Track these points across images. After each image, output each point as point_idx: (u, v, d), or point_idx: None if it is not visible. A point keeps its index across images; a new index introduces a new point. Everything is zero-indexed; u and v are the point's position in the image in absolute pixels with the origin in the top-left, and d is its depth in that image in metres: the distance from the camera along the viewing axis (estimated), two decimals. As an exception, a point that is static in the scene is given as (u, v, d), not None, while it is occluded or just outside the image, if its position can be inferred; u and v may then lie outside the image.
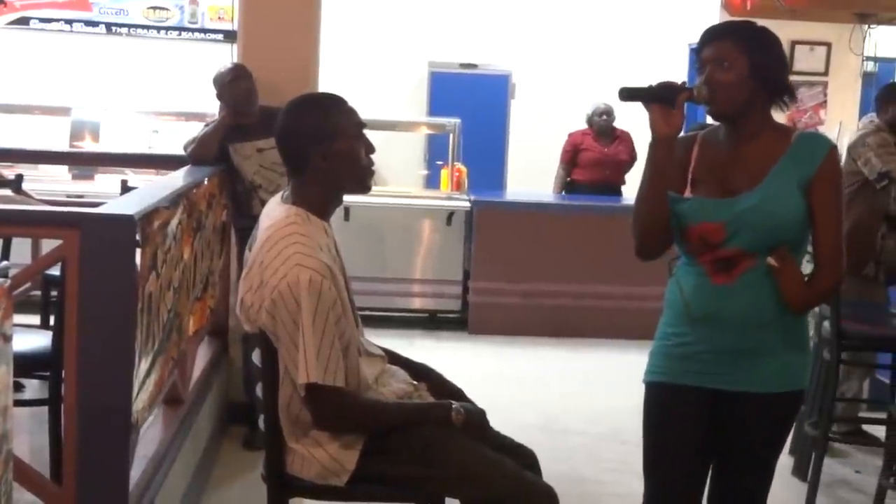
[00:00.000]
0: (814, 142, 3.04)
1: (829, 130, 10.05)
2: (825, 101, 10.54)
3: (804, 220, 2.98)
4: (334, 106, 3.22)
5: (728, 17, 10.00)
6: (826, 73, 10.47)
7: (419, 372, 3.47)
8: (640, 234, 3.10)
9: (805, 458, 5.35)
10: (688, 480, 3.12)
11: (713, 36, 3.05)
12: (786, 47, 11.04)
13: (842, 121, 10.12)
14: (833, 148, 3.02)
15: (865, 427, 5.85)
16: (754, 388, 3.02)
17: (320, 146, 3.13)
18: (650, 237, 3.09)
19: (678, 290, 3.10)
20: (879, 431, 5.08)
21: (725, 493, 3.15)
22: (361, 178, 3.25)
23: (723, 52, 3.00)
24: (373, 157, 3.27)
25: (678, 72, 11.39)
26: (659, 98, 3.02)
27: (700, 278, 3.05)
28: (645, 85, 3.04)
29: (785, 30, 10.22)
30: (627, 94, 3.06)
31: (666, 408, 3.13)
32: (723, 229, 2.97)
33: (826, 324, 5.08)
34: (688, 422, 3.09)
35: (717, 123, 3.12)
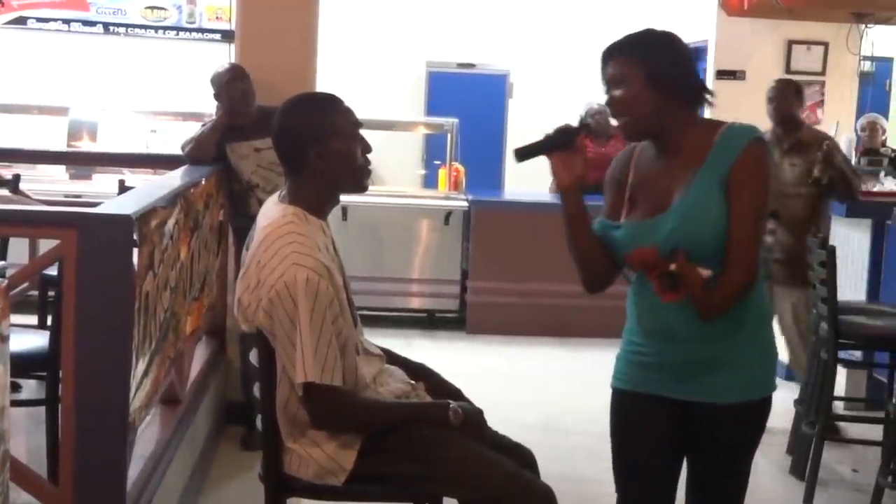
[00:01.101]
0: (736, 134, 2.85)
1: (827, 129, 10.06)
2: (822, 101, 10.55)
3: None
4: (331, 105, 3.22)
5: (726, 17, 10.03)
6: (823, 73, 10.48)
7: (417, 372, 3.47)
8: (580, 272, 3.03)
9: (803, 457, 5.35)
10: (656, 486, 3.06)
11: (606, 56, 2.92)
12: (783, 47, 11.05)
13: (839, 120, 10.12)
14: (754, 139, 2.84)
15: (863, 425, 5.84)
16: (714, 399, 2.91)
17: (316, 145, 3.13)
18: (590, 275, 3.03)
19: (633, 302, 3.02)
20: (877, 431, 5.08)
21: (700, 497, 3.07)
22: (358, 177, 3.25)
23: (616, 70, 2.88)
24: (370, 156, 3.27)
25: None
26: (556, 146, 2.93)
27: (650, 295, 2.92)
28: (540, 138, 2.96)
29: (782, 29, 10.28)
30: (522, 155, 2.98)
31: (630, 415, 3.05)
32: (657, 252, 2.84)
33: (823, 323, 5.08)
34: (652, 429, 3.01)
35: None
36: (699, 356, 2.90)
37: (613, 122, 2.99)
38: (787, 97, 6.14)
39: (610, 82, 2.90)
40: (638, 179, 2.97)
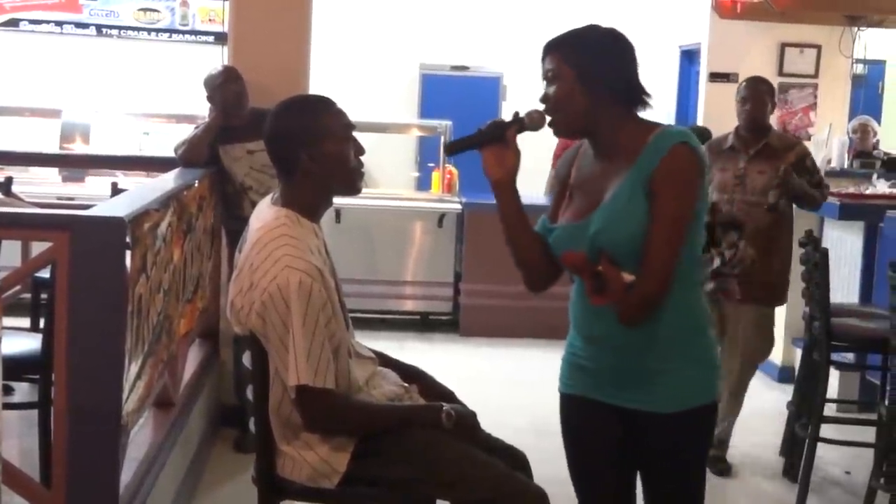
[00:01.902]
0: (663, 139, 2.76)
1: (820, 132, 10.08)
2: (815, 103, 10.57)
3: None
4: (323, 108, 3.22)
5: (719, 20, 10.04)
6: (816, 76, 10.50)
7: (410, 374, 3.47)
8: (520, 270, 2.98)
9: (795, 459, 5.36)
10: (608, 491, 3.01)
11: (545, 51, 2.85)
12: (776, 49, 11.05)
13: (832, 122, 10.14)
14: (680, 144, 2.73)
15: (856, 427, 5.85)
16: (652, 408, 2.83)
17: (309, 148, 3.13)
18: (530, 273, 2.97)
19: (571, 305, 2.97)
20: (870, 433, 5.08)
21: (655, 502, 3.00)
22: (351, 180, 3.25)
23: (551, 66, 2.81)
24: (363, 158, 3.27)
25: (669, 74, 11.43)
26: (487, 139, 2.87)
27: (582, 297, 2.89)
28: (473, 132, 2.89)
29: (775, 32, 10.29)
30: (452, 148, 2.94)
31: (576, 420, 3.02)
32: (585, 257, 2.79)
33: (816, 325, 5.09)
34: (597, 434, 2.96)
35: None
36: (631, 365, 2.84)
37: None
38: (763, 99, 5.53)
39: (545, 78, 2.84)
40: (577, 179, 2.92)
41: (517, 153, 2.88)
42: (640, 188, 2.72)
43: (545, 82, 2.84)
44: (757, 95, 5.52)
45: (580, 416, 3.00)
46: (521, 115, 2.90)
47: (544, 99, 2.84)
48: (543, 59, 2.84)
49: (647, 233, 2.70)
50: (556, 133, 2.87)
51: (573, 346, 2.98)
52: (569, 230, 2.85)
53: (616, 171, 2.79)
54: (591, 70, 2.78)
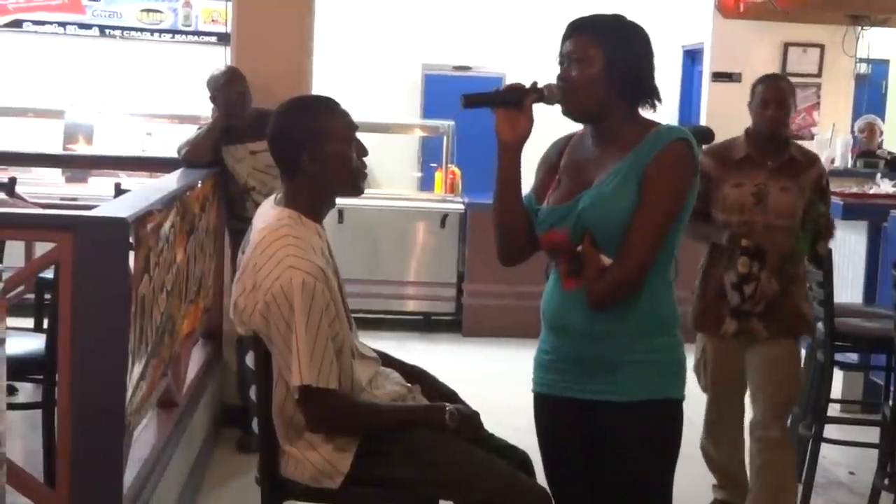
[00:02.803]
0: (661, 135, 2.81)
1: (823, 132, 10.07)
2: (818, 103, 10.57)
3: None
4: (325, 108, 3.22)
5: (721, 20, 10.04)
6: (819, 75, 10.50)
7: (412, 374, 3.47)
8: (497, 239, 2.98)
9: (799, 459, 5.34)
10: (578, 489, 3.02)
11: (571, 30, 2.86)
12: (779, 49, 11.03)
13: (835, 122, 10.13)
14: (676, 140, 2.79)
15: (860, 427, 5.84)
16: (609, 396, 2.86)
17: (310, 148, 3.13)
18: (506, 244, 2.98)
19: (543, 297, 3.00)
20: (874, 433, 5.08)
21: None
22: (353, 180, 3.24)
23: (578, 48, 2.82)
24: (366, 159, 3.27)
25: (672, 74, 11.42)
26: (504, 102, 2.88)
27: (555, 284, 2.93)
28: (492, 90, 2.92)
29: (778, 31, 10.29)
30: (469, 101, 2.91)
31: (544, 419, 3.06)
32: (567, 236, 2.84)
33: (820, 325, 5.08)
34: (565, 431, 2.99)
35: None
36: (595, 354, 2.87)
37: None
38: (787, 101, 4.51)
39: (568, 57, 2.84)
40: (567, 165, 2.95)
41: (530, 120, 2.88)
42: (633, 177, 2.77)
43: (565, 61, 2.85)
44: (780, 97, 4.49)
45: (549, 415, 3.04)
46: (540, 86, 2.89)
47: (565, 78, 2.85)
48: (568, 37, 2.86)
49: (631, 221, 2.75)
50: (566, 113, 2.88)
51: (543, 342, 3.02)
52: (554, 211, 2.89)
53: (608, 159, 2.84)
54: (620, 62, 2.81)
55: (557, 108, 2.89)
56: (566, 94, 2.85)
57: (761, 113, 4.48)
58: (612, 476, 2.95)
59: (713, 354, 4.62)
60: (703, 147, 4.25)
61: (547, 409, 3.04)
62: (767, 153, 4.49)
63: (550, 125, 3.12)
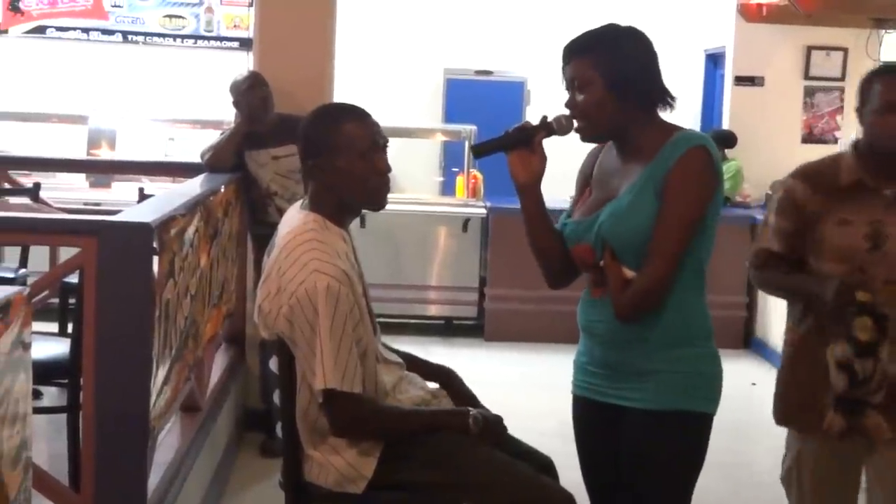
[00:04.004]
0: (679, 141, 2.77)
1: (846, 136, 10.02)
2: (842, 107, 10.50)
3: None
4: (349, 119, 3.16)
5: (744, 24, 10.00)
6: (842, 79, 10.43)
7: (439, 374, 3.46)
8: (541, 268, 3.03)
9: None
10: (613, 494, 3.01)
11: (568, 55, 2.84)
12: (802, 52, 10.95)
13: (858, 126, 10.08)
14: (695, 147, 2.75)
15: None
16: (634, 403, 2.87)
17: (319, 159, 3.13)
18: (549, 271, 3.02)
19: (579, 302, 3.03)
20: None
21: None
22: (369, 196, 3.19)
23: (575, 73, 2.81)
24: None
25: (694, 78, 11.39)
26: (514, 143, 2.88)
27: (586, 291, 2.98)
28: (500, 134, 2.91)
29: (801, 35, 10.25)
30: (479, 151, 2.94)
31: (578, 421, 3.10)
32: (591, 249, 2.86)
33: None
34: (598, 437, 3.01)
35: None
36: (617, 360, 2.89)
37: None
38: None
39: (571, 85, 2.83)
40: (597, 175, 2.96)
41: (543, 158, 2.90)
42: (651, 186, 2.75)
43: (571, 89, 2.84)
44: None
45: (584, 418, 3.07)
46: (549, 119, 2.89)
47: (572, 105, 2.84)
48: (567, 64, 2.84)
49: (653, 232, 2.73)
50: (583, 139, 2.89)
51: (580, 345, 3.06)
52: (580, 224, 2.91)
53: (632, 169, 2.82)
54: (620, 76, 2.78)
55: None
56: (578, 120, 2.84)
57: (882, 120, 3.21)
58: (628, 484, 2.94)
59: (812, 463, 3.38)
60: (795, 170, 3.37)
61: (582, 411, 3.07)
62: (887, 177, 3.24)
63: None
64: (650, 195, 2.75)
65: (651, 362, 2.84)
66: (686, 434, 2.90)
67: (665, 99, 2.86)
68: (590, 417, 3.04)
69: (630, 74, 2.79)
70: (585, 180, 3.00)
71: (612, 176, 2.89)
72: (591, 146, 3.02)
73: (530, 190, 2.91)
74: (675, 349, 2.84)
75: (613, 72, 2.77)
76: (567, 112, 2.86)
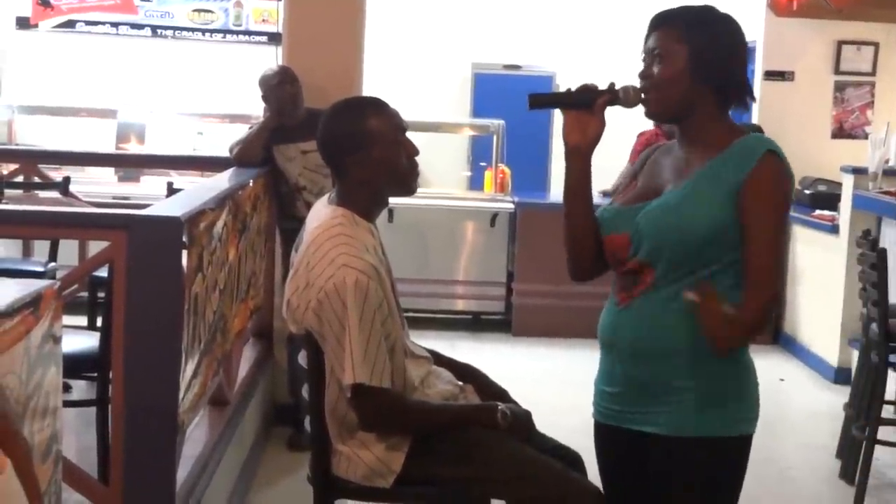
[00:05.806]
0: (750, 146, 2.60)
1: (877, 131, 9.95)
2: (872, 102, 10.42)
3: (720, 234, 2.56)
4: (373, 111, 3.19)
5: (774, 18, 9.94)
6: (873, 73, 10.35)
7: (464, 372, 3.46)
8: (567, 253, 2.82)
9: (852, 460, 5.30)
10: None
11: (655, 24, 2.66)
12: (832, 47, 10.88)
13: (889, 121, 10.00)
14: (768, 153, 2.57)
15: None
16: (660, 429, 2.64)
17: (356, 154, 3.13)
18: (575, 259, 2.81)
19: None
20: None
21: None
22: (402, 182, 3.23)
23: (661, 42, 2.62)
24: (417, 158, 3.25)
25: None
26: (575, 103, 2.70)
27: (610, 298, 2.75)
28: (563, 89, 2.76)
29: (832, 30, 10.17)
30: (536, 102, 2.76)
31: (600, 450, 2.89)
32: (628, 241, 2.64)
33: (874, 326, 5.03)
34: (620, 465, 2.82)
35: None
36: (638, 376, 2.67)
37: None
38: None
39: (650, 54, 2.65)
40: (647, 169, 2.78)
41: (602, 123, 2.71)
42: (725, 189, 2.56)
43: (649, 59, 2.66)
44: None
45: (606, 446, 2.87)
46: (617, 87, 2.72)
47: (646, 76, 2.65)
48: (651, 32, 2.67)
49: (747, 245, 2.54)
50: (648, 114, 2.70)
51: (600, 366, 2.84)
52: (619, 212, 2.73)
53: (690, 164, 2.65)
54: (705, 57, 2.61)
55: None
56: (646, 93, 2.65)
57: None
58: None
59: None
60: None
61: (604, 439, 2.87)
62: None
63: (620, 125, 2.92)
64: (719, 197, 2.56)
65: (678, 377, 2.62)
66: (725, 461, 2.67)
67: (742, 97, 2.69)
68: (613, 446, 2.82)
69: (715, 59, 2.62)
70: (634, 175, 2.84)
71: (664, 169, 2.72)
72: (627, 145, 2.91)
73: (581, 154, 2.72)
74: (707, 363, 2.60)
75: (700, 50, 2.60)
76: (637, 84, 2.68)
